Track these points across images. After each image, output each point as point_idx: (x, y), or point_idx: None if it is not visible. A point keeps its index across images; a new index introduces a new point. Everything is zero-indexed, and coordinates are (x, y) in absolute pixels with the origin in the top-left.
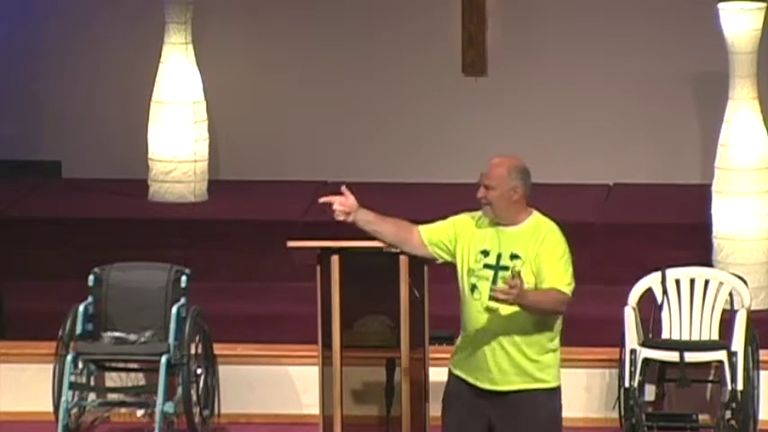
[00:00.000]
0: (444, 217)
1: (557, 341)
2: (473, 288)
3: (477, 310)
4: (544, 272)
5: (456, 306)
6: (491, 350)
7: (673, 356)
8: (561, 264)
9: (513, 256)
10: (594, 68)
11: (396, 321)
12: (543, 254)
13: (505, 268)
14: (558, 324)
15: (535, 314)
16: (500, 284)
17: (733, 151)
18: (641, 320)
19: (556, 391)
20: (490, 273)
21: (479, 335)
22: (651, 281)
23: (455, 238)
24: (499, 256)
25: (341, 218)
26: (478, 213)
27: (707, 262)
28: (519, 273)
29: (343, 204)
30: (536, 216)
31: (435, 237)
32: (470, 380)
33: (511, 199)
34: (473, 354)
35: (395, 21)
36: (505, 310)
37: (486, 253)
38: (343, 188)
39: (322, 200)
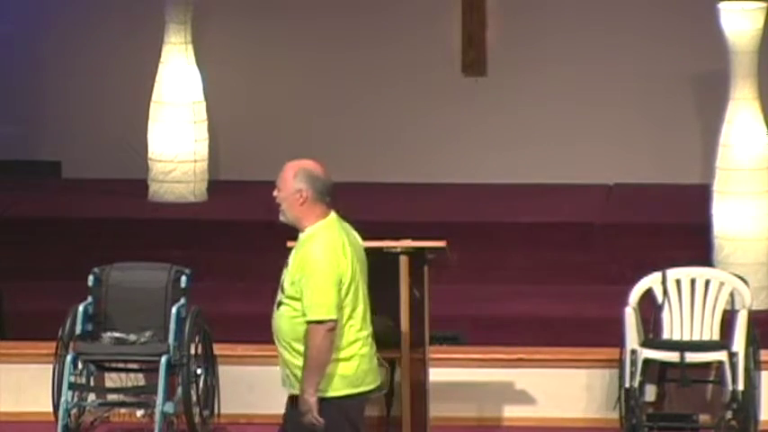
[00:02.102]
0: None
1: (340, 353)
2: None
3: (275, 312)
4: (303, 293)
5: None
6: (279, 355)
7: (673, 357)
8: (314, 287)
9: (287, 265)
10: (595, 68)
11: (396, 321)
12: (298, 268)
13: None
14: (342, 338)
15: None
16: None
17: (734, 151)
18: (642, 321)
19: (327, 402)
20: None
21: (275, 337)
22: (652, 281)
23: None
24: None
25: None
26: None
27: (707, 262)
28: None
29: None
30: (318, 225)
31: None
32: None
33: (297, 202)
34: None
35: (395, 21)
36: (280, 317)
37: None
38: None
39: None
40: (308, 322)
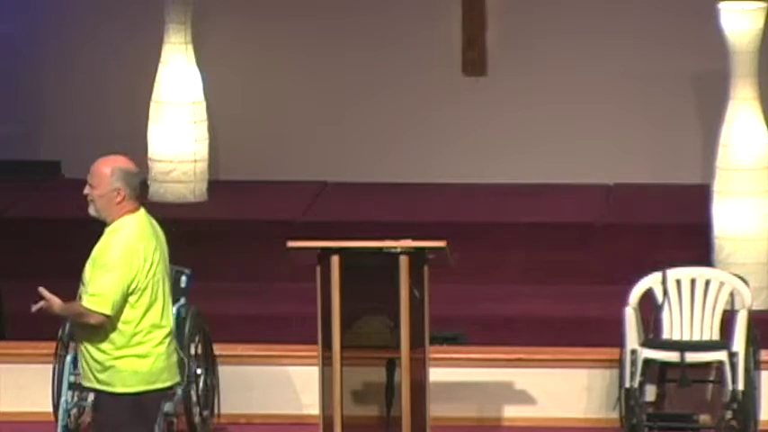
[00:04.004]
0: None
1: (133, 350)
2: None
3: None
4: (90, 277)
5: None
6: (79, 348)
7: (673, 357)
8: (104, 277)
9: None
10: (594, 69)
11: (396, 321)
12: (95, 257)
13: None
14: (131, 335)
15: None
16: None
17: (733, 151)
18: (642, 321)
19: (121, 397)
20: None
21: (76, 333)
22: (652, 281)
23: None
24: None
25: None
26: None
27: (708, 262)
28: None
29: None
30: (124, 220)
31: None
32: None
33: (113, 200)
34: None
35: (395, 21)
36: None
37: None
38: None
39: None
40: (86, 305)
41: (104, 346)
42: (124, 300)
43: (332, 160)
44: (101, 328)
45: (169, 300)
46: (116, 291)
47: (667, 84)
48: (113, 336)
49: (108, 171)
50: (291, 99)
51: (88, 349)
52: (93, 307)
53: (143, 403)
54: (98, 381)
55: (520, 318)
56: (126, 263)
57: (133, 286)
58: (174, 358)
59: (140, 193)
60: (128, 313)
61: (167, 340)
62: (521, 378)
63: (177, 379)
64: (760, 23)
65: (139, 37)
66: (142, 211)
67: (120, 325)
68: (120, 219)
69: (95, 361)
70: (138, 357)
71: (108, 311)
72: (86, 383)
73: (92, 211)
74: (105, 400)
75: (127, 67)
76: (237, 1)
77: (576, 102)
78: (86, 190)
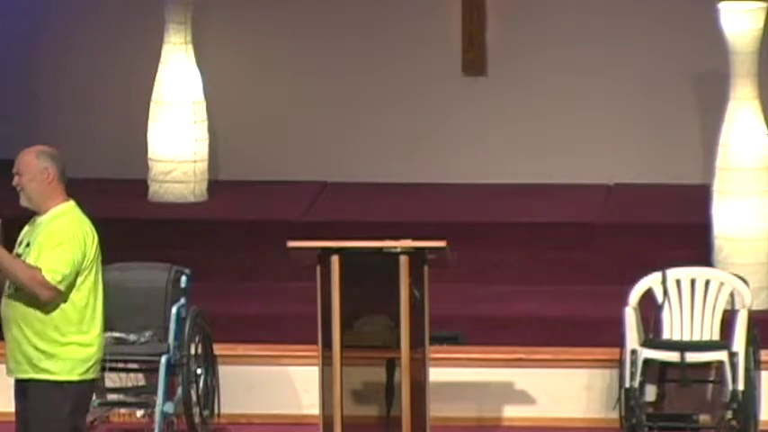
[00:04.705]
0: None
1: (78, 337)
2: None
3: (5, 299)
4: (39, 255)
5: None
6: (12, 338)
7: (673, 357)
8: (55, 251)
9: (27, 245)
10: (595, 69)
11: (396, 321)
12: (43, 240)
13: (20, 256)
14: (78, 321)
15: (28, 296)
16: None
17: (733, 151)
18: (642, 321)
19: (65, 386)
20: None
21: (6, 324)
22: (651, 281)
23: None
24: (28, 245)
25: None
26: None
27: (707, 262)
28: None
29: None
30: (64, 206)
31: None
32: (11, 370)
33: (45, 181)
34: (7, 344)
35: (395, 21)
36: (18, 300)
37: (20, 244)
38: None
39: None
40: (43, 278)
41: (50, 333)
42: (75, 280)
43: (332, 160)
44: (45, 315)
45: (103, 292)
46: (69, 267)
47: (667, 84)
48: (59, 322)
49: (33, 154)
50: (291, 99)
51: (28, 337)
52: (50, 279)
53: (83, 392)
54: (39, 370)
55: (520, 318)
56: (77, 241)
57: (82, 266)
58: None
59: (66, 183)
60: (74, 297)
61: (102, 332)
62: (521, 378)
63: (98, 373)
64: (760, 23)
65: (139, 37)
66: (73, 202)
67: (65, 309)
68: (57, 206)
69: (37, 350)
70: (82, 346)
71: (61, 287)
72: (20, 375)
73: (23, 201)
74: (47, 389)
75: (127, 67)
76: (238, 1)
77: (577, 102)
78: (15, 181)
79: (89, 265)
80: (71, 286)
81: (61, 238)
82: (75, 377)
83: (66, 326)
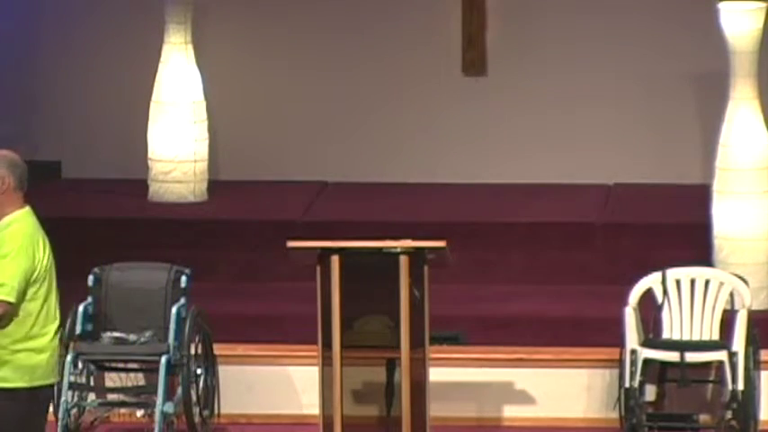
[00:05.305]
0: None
1: (30, 343)
2: None
3: None
4: None
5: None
6: None
7: (673, 357)
8: (3, 263)
9: None
10: (595, 69)
11: (396, 321)
12: None
13: None
14: (30, 327)
15: None
16: None
17: (733, 151)
18: (642, 321)
19: (18, 393)
20: None
21: None
22: (651, 281)
23: None
24: None
25: None
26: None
27: (707, 262)
28: None
29: None
30: (17, 214)
31: None
32: None
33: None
34: None
35: (395, 21)
36: None
37: None
38: None
39: None
40: None
41: (1, 341)
42: (25, 290)
43: (332, 160)
44: None
45: (57, 296)
46: (20, 280)
47: (667, 84)
48: (10, 329)
49: None
50: (291, 99)
51: None
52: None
53: (39, 398)
54: None
55: (520, 318)
56: (27, 252)
57: (34, 277)
58: (57, 357)
59: (26, 188)
60: (26, 305)
61: (57, 336)
62: (521, 378)
63: (58, 377)
64: (760, 23)
65: (139, 37)
66: (29, 208)
67: (19, 317)
68: (10, 215)
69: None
70: (34, 352)
71: (12, 300)
72: None
73: None
74: (1, 397)
75: (127, 67)
76: (238, 1)
77: (577, 102)
78: None
79: (42, 274)
80: (23, 296)
81: (10, 250)
82: (25, 384)
83: (17, 333)
